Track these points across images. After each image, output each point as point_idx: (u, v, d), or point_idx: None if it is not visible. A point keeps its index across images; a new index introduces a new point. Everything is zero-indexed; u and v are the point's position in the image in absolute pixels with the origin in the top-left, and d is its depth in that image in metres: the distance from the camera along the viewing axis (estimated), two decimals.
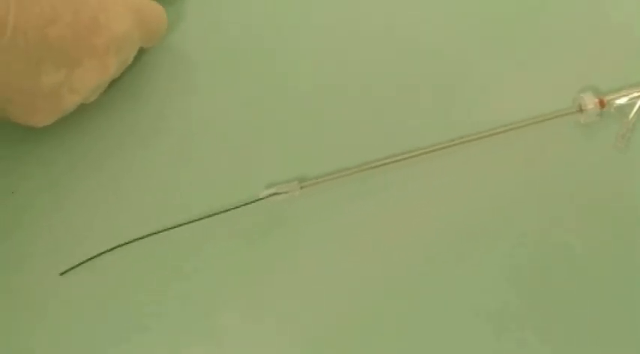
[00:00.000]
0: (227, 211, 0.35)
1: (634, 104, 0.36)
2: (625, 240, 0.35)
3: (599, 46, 0.38)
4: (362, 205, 0.36)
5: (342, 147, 0.36)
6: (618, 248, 0.35)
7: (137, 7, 0.32)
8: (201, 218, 0.35)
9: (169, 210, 0.35)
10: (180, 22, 0.38)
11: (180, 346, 0.34)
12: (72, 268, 0.34)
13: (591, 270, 0.35)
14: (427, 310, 0.34)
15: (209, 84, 0.37)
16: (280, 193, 0.35)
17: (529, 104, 0.36)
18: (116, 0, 0.31)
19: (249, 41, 0.38)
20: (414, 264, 0.35)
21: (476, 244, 0.35)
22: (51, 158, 0.36)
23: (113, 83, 0.35)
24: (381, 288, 0.35)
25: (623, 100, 0.36)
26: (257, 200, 0.35)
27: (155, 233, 0.35)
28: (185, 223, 0.35)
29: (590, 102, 0.36)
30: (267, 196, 0.35)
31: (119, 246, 0.34)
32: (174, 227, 0.35)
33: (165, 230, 0.35)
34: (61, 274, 0.34)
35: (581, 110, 0.36)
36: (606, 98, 0.36)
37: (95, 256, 0.34)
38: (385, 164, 0.35)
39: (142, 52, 0.36)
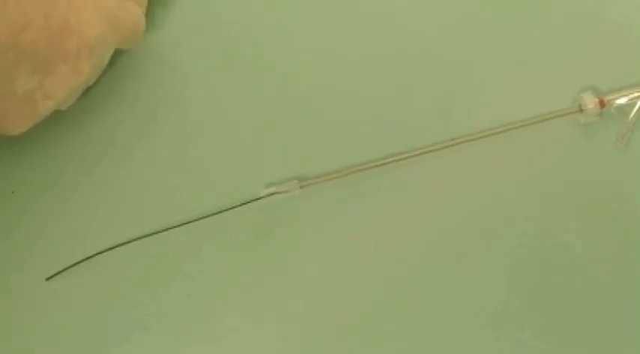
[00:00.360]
0: (227, 210, 0.35)
1: (634, 104, 0.36)
2: (625, 240, 0.35)
3: (599, 46, 0.38)
4: (362, 205, 0.36)
5: (341, 147, 0.36)
6: (618, 248, 0.35)
7: (109, 10, 0.32)
8: (201, 218, 0.35)
9: (169, 210, 0.35)
10: (179, 21, 0.38)
11: (180, 346, 0.34)
12: (66, 268, 0.34)
13: (591, 270, 0.35)
14: (427, 310, 0.34)
15: (209, 83, 0.37)
16: (280, 193, 0.35)
17: (529, 104, 0.36)
18: (87, 3, 0.30)
19: (249, 40, 0.38)
20: (413, 264, 0.35)
21: (476, 244, 0.35)
22: (51, 158, 0.36)
23: (114, 82, 0.35)
24: (381, 288, 0.35)
25: (623, 100, 0.36)
26: (256, 199, 0.35)
27: (155, 233, 0.35)
28: (185, 223, 0.35)
29: (590, 102, 0.36)
30: (266, 196, 0.35)
31: (119, 246, 0.34)
32: (174, 227, 0.35)
33: (165, 230, 0.35)
34: (55, 275, 0.34)
35: (581, 110, 0.36)
36: (606, 98, 0.36)
37: (94, 255, 0.34)
38: (385, 164, 0.35)
39: (146, 49, 0.36)
